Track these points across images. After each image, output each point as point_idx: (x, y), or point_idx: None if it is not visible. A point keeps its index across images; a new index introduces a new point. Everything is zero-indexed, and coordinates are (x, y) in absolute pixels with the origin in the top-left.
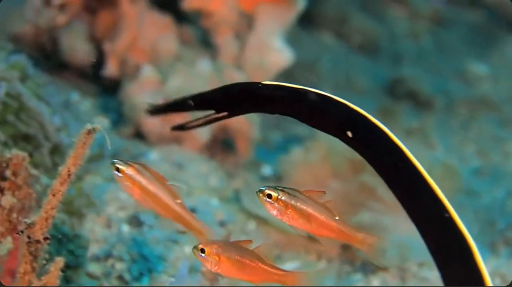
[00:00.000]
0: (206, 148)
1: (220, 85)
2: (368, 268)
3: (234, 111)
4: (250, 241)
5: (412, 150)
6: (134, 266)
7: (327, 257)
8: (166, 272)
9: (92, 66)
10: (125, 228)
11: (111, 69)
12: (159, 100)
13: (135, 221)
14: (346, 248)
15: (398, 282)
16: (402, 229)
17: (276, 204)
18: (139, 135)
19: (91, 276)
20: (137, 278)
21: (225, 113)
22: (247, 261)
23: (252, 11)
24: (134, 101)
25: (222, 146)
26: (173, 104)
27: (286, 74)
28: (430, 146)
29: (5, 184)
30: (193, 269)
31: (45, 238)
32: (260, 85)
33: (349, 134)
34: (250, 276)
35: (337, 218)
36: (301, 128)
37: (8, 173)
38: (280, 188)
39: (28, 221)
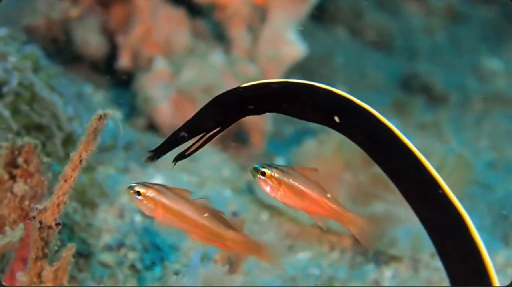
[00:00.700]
0: (219, 140)
1: (233, 77)
2: (381, 258)
3: (226, 124)
4: (189, 192)
5: (426, 144)
6: (147, 256)
7: (340, 247)
8: (178, 261)
9: (105, 59)
10: (138, 218)
11: (124, 61)
12: (153, 147)
13: None
14: None
15: (410, 272)
16: (415, 219)
17: (269, 181)
18: (152, 127)
19: (103, 265)
20: (149, 267)
21: (218, 129)
22: (183, 211)
23: (265, 3)
24: (147, 93)
25: (235, 138)
26: (168, 142)
27: (299, 67)
28: (444, 140)
29: (17, 172)
30: (206, 258)
31: (57, 224)
32: (240, 89)
33: (337, 119)
34: (183, 226)
35: (329, 195)
36: None
37: (20, 160)
38: (274, 166)
39: (40, 206)
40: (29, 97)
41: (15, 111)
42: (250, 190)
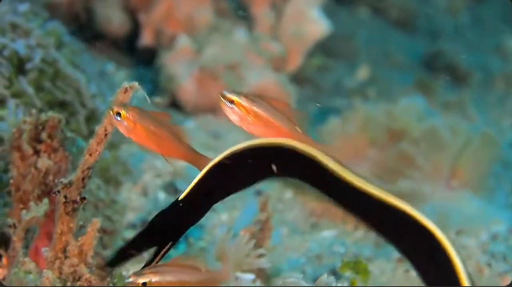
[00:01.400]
0: None
1: (256, 55)
2: None
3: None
4: (169, 115)
5: (450, 122)
6: None
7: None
8: (203, 239)
9: (127, 37)
10: (162, 196)
11: (146, 39)
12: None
13: (171, 188)
14: None
15: None
16: (441, 197)
17: (236, 109)
18: (175, 105)
19: None
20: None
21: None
22: (161, 133)
23: None
24: (170, 72)
25: None
26: (120, 256)
27: (322, 46)
28: (468, 119)
29: (41, 147)
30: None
31: (82, 198)
32: (178, 200)
33: (274, 168)
34: (161, 149)
35: (297, 128)
36: (338, 100)
37: (44, 135)
38: (242, 94)
39: (65, 181)
40: (53, 74)
41: (38, 88)
42: None
